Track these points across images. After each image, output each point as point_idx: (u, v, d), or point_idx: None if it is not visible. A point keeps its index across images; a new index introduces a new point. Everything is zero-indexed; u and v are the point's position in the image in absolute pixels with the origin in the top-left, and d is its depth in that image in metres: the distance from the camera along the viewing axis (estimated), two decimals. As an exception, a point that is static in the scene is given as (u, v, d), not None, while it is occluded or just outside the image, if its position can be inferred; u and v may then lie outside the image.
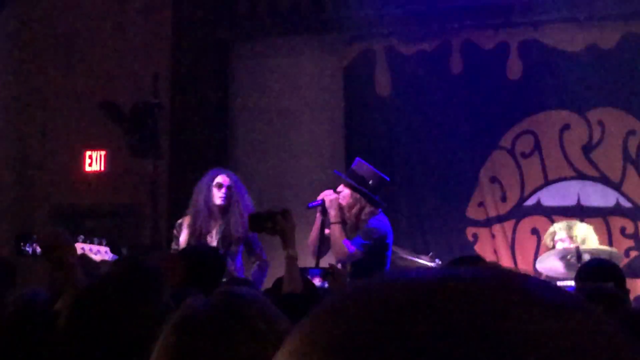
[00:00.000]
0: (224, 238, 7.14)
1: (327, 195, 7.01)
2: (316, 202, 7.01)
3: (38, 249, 4.48)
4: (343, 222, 6.98)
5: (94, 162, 10.46)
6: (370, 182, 6.99)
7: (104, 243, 6.93)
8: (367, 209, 6.99)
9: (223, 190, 7.20)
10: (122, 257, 6.24)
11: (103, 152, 10.45)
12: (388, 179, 7.20)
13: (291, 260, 4.90)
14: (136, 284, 2.52)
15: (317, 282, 5.45)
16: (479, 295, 0.69)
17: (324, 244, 6.98)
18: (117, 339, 2.41)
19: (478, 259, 4.50)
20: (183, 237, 7.22)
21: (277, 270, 6.34)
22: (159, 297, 2.50)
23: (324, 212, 6.95)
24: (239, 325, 1.88)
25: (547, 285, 0.73)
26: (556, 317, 0.68)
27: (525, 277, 0.73)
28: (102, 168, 10.46)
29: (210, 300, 1.96)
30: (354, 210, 6.99)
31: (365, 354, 0.67)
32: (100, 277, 2.70)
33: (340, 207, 6.99)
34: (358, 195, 6.98)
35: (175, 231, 7.34)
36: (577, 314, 0.70)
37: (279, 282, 5.05)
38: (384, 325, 0.68)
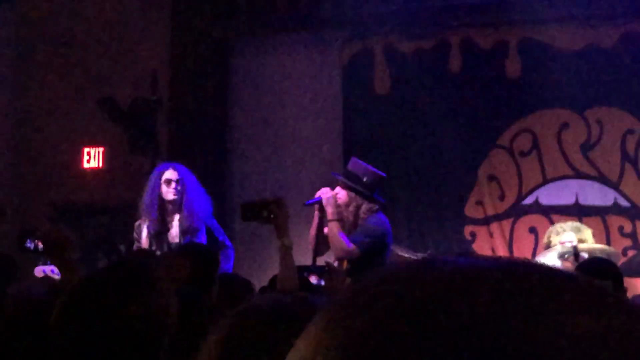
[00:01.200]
0: (184, 232, 7.08)
1: (324, 193, 7.00)
2: (313, 200, 7.00)
3: (40, 246, 4.48)
4: (341, 220, 6.97)
5: (92, 158, 10.46)
6: (365, 179, 6.98)
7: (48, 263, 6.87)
8: (365, 207, 6.98)
9: (172, 185, 7.12)
10: (122, 253, 6.25)
11: (101, 149, 10.45)
12: (384, 175, 7.17)
13: (286, 249, 4.88)
14: (125, 282, 2.51)
15: (313, 280, 5.44)
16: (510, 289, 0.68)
17: (322, 242, 6.97)
18: (107, 335, 2.41)
19: (473, 254, 4.49)
20: (143, 238, 7.15)
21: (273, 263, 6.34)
22: (149, 294, 2.49)
23: (322, 209, 6.94)
24: (297, 327, 1.85)
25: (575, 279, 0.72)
26: (591, 315, 0.68)
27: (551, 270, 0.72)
28: (100, 164, 10.46)
29: (276, 300, 1.93)
30: (351, 209, 6.97)
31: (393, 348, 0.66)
32: (91, 275, 2.69)
33: (338, 205, 6.99)
34: (353, 194, 6.97)
35: (135, 234, 7.25)
36: (615, 313, 0.69)
37: (275, 279, 5.04)
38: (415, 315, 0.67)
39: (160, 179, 7.16)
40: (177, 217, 7.14)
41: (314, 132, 10.15)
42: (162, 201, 7.12)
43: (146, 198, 7.18)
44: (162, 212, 7.13)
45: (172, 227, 7.15)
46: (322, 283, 5.57)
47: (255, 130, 10.22)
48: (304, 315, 1.88)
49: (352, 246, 6.80)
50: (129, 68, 10.17)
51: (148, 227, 7.12)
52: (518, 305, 0.66)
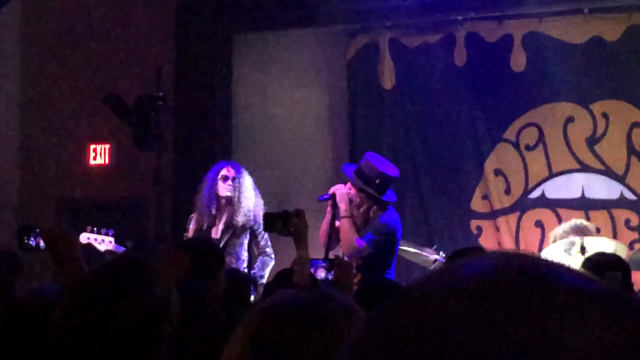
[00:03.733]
0: (226, 229, 7.19)
1: (338, 189, 7.00)
2: (326, 195, 7.00)
3: (41, 243, 4.49)
4: (352, 216, 6.98)
5: (99, 155, 10.48)
6: (377, 181, 6.97)
7: (110, 234, 7.01)
8: (376, 207, 6.99)
9: (229, 182, 7.27)
10: (130, 249, 6.29)
11: (107, 146, 10.46)
12: (397, 174, 7.16)
13: (301, 262, 4.91)
14: (127, 277, 2.52)
15: (321, 273, 5.44)
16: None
17: (333, 237, 6.97)
18: (111, 328, 2.42)
19: (480, 250, 4.50)
20: (190, 231, 7.32)
21: (282, 264, 6.36)
22: (151, 289, 2.50)
23: (334, 205, 6.94)
24: (325, 327, 1.86)
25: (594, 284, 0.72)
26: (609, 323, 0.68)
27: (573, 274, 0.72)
28: (107, 161, 10.47)
29: (309, 298, 1.93)
30: (362, 209, 6.98)
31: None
32: (93, 271, 2.71)
33: (351, 202, 6.99)
34: (365, 195, 6.97)
35: (188, 225, 7.44)
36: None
37: (280, 274, 5.05)
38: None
39: (217, 176, 7.34)
40: (225, 213, 7.27)
41: (320, 127, 10.15)
42: (217, 197, 7.30)
43: (204, 193, 7.34)
44: (215, 208, 7.30)
45: (218, 223, 7.28)
46: (330, 277, 5.58)
47: (260, 126, 10.22)
48: (329, 311, 1.89)
49: (362, 244, 6.81)
50: (135, 65, 10.19)
51: (198, 222, 7.29)
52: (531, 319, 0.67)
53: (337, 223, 7.01)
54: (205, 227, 7.30)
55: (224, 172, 7.36)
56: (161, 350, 2.44)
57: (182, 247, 5.00)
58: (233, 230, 7.20)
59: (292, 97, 10.16)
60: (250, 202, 7.28)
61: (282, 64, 10.16)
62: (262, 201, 7.46)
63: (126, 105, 9.84)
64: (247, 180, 7.38)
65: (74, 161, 10.48)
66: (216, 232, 7.24)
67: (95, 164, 10.49)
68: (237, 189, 7.29)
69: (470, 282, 0.71)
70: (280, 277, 4.99)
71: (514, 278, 0.70)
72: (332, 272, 5.44)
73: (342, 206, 6.88)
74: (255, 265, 7.27)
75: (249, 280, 5.34)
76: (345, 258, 6.50)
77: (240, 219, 7.20)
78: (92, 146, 10.48)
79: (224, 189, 7.30)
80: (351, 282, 5.22)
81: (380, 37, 9.87)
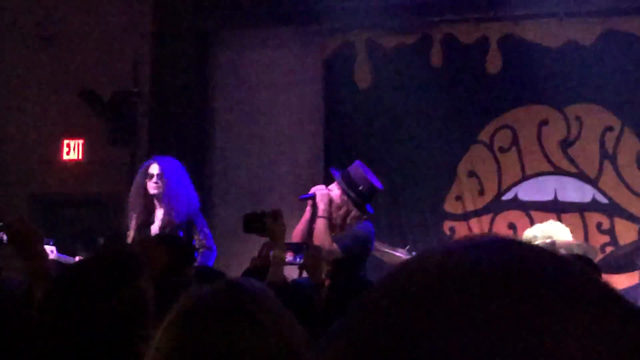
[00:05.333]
0: (163, 227, 7.15)
1: (319, 189, 7.02)
2: (307, 195, 7.01)
3: (4, 237, 4.44)
4: (330, 218, 6.99)
5: (72, 150, 10.43)
6: (361, 187, 6.99)
7: (51, 243, 6.93)
8: (354, 213, 7.00)
9: (154, 179, 7.21)
10: (100, 246, 6.27)
11: (81, 141, 10.41)
12: (381, 187, 7.21)
13: (275, 261, 4.92)
14: (111, 271, 2.53)
15: (289, 257, 5.46)
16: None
17: (310, 237, 6.97)
18: (93, 326, 2.42)
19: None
20: (132, 230, 7.28)
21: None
22: (135, 283, 2.51)
23: (314, 205, 6.95)
24: (244, 318, 1.88)
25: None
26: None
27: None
28: (80, 156, 10.43)
29: (216, 291, 1.95)
30: (342, 212, 6.99)
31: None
32: (75, 265, 2.70)
33: (330, 204, 7.00)
34: (347, 198, 6.98)
35: (129, 223, 7.38)
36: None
37: (247, 273, 5.06)
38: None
39: (145, 173, 7.26)
40: (160, 211, 7.21)
41: (296, 126, 10.15)
42: (147, 195, 7.23)
43: (132, 191, 7.31)
44: (148, 206, 7.24)
45: (155, 220, 7.23)
46: (298, 260, 5.59)
47: (236, 123, 10.21)
48: (240, 301, 1.90)
49: (335, 246, 6.82)
50: (111, 60, 10.14)
51: (136, 220, 7.24)
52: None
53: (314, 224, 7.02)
54: (142, 225, 7.25)
55: (150, 169, 7.29)
56: (143, 345, 2.45)
57: (158, 242, 5.00)
58: (170, 228, 7.15)
59: (268, 96, 10.15)
60: (178, 198, 7.20)
61: (258, 62, 10.16)
62: (194, 193, 7.38)
63: (101, 100, 9.83)
64: (174, 176, 7.28)
65: (47, 156, 10.43)
66: (154, 231, 7.21)
67: (69, 159, 10.44)
68: (163, 186, 7.22)
69: (458, 271, 0.71)
70: (250, 274, 4.99)
71: (503, 269, 0.71)
72: (300, 255, 5.46)
73: (321, 206, 6.90)
74: (198, 260, 7.25)
75: (218, 277, 5.33)
76: None
77: (171, 217, 7.16)
78: (66, 141, 10.43)
79: (151, 187, 7.24)
80: (320, 266, 5.25)
81: (356, 36, 9.88)
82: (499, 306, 0.66)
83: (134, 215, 7.30)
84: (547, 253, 0.72)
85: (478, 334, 0.66)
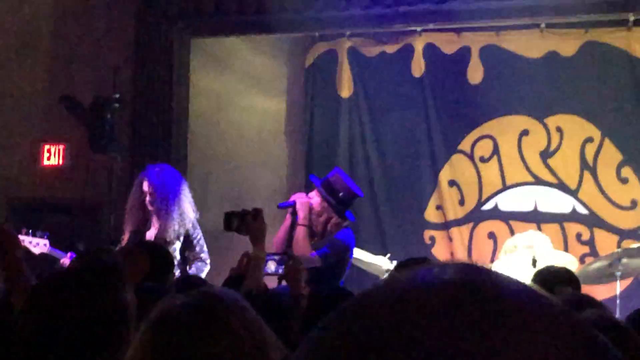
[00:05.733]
0: (157, 238, 7.13)
1: (299, 197, 7.02)
2: (287, 203, 7.01)
3: None
4: (310, 226, 6.99)
5: (52, 156, 10.38)
6: (341, 194, 7.01)
7: (45, 237, 6.93)
8: (334, 220, 7.01)
9: (147, 198, 7.20)
10: (81, 253, 6.24)
11: (62, 146, 10.36)
12: (361, 194, 7.23)
13: (255, 260, 4.91)
14: (93, 280, 2.52)
15: (272, 266, 5.46)
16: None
17: (290, 245, 6.97)
18: (74, 334, 2.41)
19: (426, 260, 4.53)
20: (126, 235, 7.27)
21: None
22: (117, 292, 2.50)
23: (294, 213, 6.95)
24: (217, 327, 1.89)
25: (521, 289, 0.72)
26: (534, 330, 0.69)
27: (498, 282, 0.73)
28: (61, 162, 10.38)
29: (189, 300, 1.95)
30: (322, 219, 7.00)
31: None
32: (57, 273, 2.70)
33: (310, 212, 7.01)
34: (327, 205, 6.99)
35: (124, 228, 7.38)
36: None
37: (227, 282, 5.05)
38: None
39: (140, 186, 7.26)
40: (156, 219, 7.19)
41: (277, 134, 10.16)
42: (144, 206, 7.21)
43: (129, 201, 7.31)
44: (144, 215, 7.22)
45: (151, 227, 7.21)
46: (280, 271, 5.60)
47: (217, 130, 10.20)
48: (214, 310, 1.91)
49: (314, 254, 6.83)
50: (92, 66, 10.11)
51: (130, 226, 7.23)
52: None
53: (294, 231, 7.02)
54: (136, 231, 7.24)
55: (143, 185, 7.27)
56: (121, 352, 2.44)
57: (145, 247, 4.99)
58: (162, 240, 7.14)
59: (249, 103, 10.15)
60: (170, 215, 7.18)
61: (240, 69, 10.15)
62: (191, 206, 7.35)
63: (82, 105, 9.79)
64: (166, 192, 7.24)
65: (28, 161, 10.38)
66: (149, 237, 7.19)
67: (49, 165, 10.39)
68: (155, 202, 7.20)
69: (417, 294, 0.72)
70: (229, 284, 4.98)
71: (461, 291, 0.71)
72: (281, 265, 5.47)
73: (301, 214, 6.91)
74: (189, 271, 7.24)
75: (200, 286, 5.32)
76: None
77: (165, 234, 7.14)
78: (46, 146, 10.37)
79: (147, 203, 7.24)
80: (300, 277, 5.25)
81: (338, 45, 9.90)
82: (441, 342, 0.67)
83: (130, 223, 7.29)
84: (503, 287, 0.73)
85: None
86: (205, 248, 7.36)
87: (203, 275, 7.22)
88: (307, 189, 7.19)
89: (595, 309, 3.32)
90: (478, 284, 0.72)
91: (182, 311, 1.90)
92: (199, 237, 7.32)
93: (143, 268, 4.39)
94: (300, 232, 6.90)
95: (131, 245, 5.58)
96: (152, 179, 7.24)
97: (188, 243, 7.25)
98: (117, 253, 4.77)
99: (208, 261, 7.35)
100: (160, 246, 6.03)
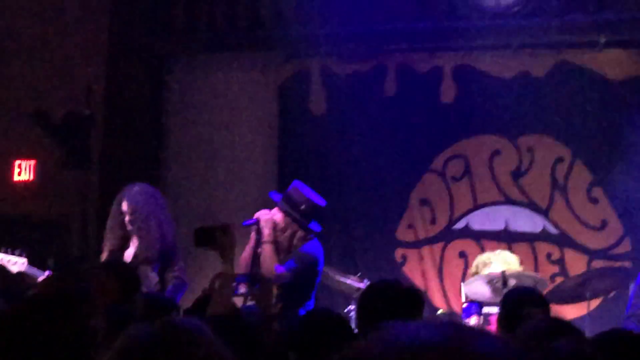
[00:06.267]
0: (135, 258, 7.10)
1: (263, 215, 7.00)
2: (251, 221, 6.99)
3: None
4: (275, 242, 6.97)
5: (23, 171, 10.33)
6: (303, 207, 6.99)
7: (23, 255, 6.88)
8: (300, 234, 7.00)
9: (127, 218, 7.16)
10: (50, 276, 6.20)
11: (33, 162, 10.32)
12: (323, 203, 7.20)
13: (224, 276, 4.88)
14: (62, 307, 2.51)
15: (242, 288, 5.44)
16: None
17: (256, 264, 6.95)
18: (43, 350, 2.40)
19: (397, 282, 4.53)
20: (105, 252, 7.23)
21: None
22: (85, 319, 2.49)
23: (259, 231, 6.93)
24: (170, 352, 1.88)
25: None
26: None
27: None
28: (31, 178, 10.33)
29: (153, 331, 1.95)
30: (287, 234, 6.98)
31: None
32: (26, 299, 2.68)
33: (274, 228, 6.99)
34: (290, 220, 6.98)
35: (103, 245, 7.34)
36: None
37: (199, 301, 5.03)
38: None
39: (119, 205, 7.21)
40: (135, 240, 7.15)
41: (250, 151, 10.14)
42: (124, 225, 7.17)
43: (109, 219, 7.26)
44: (124, 233, 7.17)
45: (129, 247, 7.17)
46: (246, 291, 5.58)
47: (190, 147, 10.18)
48: (175, 340, 1.91)
49: (282, 270, 6.81)
50: (64, 82, 10.08)
51: (110, 244, 7.20)
52: None
53: (259, 250, 6.99)
54: (116, 250, 7.21)
55: (122, 205, 7.24)
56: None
57: (108, 271, 4.96)
58: (141, 261, 7.11)
59: (222, 120, 10.13)
60: (150, 236, 7.14)
61: (213, 87, 10.14)
62: (170, 228, 7.31)
63: (54, 122, 9.76)
64: (145, 213, 7.20)
65: (-1, 176, 10.33)
66: (127, 256, 7.17)
67: (20, 180, 10.34)
68: (135, 222, 7.16)
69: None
70: (198, 305, 4.96)
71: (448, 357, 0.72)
72: (252, 286, 5.45)
73: (265, 231, 6.88)
74: (167, 290, 7.20)
75: (172, 306, 5.31)
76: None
77: (144, 255, 7.11)
78: (17, 162, 10.33)
79: (126, 222, 7.20)
80: (270, 299, 5.23)
81: (312, 63, 9.90)
82: None
83: (109, 242, 7.24)
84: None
85: None
86: (184, 269, 7.33)
87: (181, 294, 7.19)
88: (273, 206, 7.16)
89: (569, 336, 3.33)
90: (464, 350, 0.72)
91: (146, 342, 1.90)
92: (178, 257, 7.28)
93: (111, 291, 4.37)
94: (267, 249, 6.88)
95: (99, 268, 5.54)
96: (131, 198, 7.18)
97: (167, 263, 7.21)
98: (85, 276, 4.75)
99: (187, 281, 7.32)
100: (127, 267, 6.00)
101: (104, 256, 7.26)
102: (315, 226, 7.10)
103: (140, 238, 7.11)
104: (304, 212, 6.98)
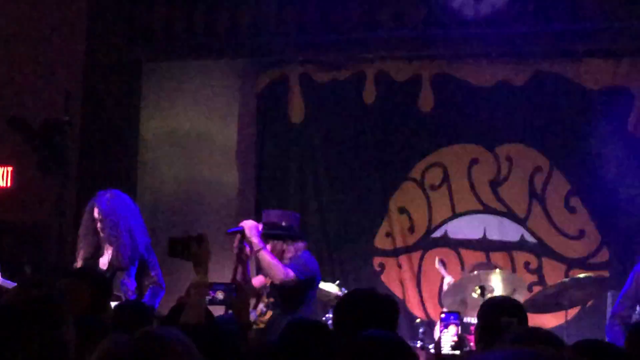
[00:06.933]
0: (111, 264, 7.09)
1: (247, 223, 6.96)
2: (236, 229, 6.95)
3: None
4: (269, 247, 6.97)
5: (1, 177, 10.28)
6: (283, 223, 7.01)
7: None
8: (291, 248, 6.99)
9: (98, 225, 7.16)
10: (22, 284, 6.15)
11: (10, 168, 10.27)
12: (298, 214, 7.26)
13: (198, 286, 4.85)
14: (33, 316, 2.48)
15: (220, 295, 5.42)
16: None
17: (242, 272, 6.90)
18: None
19: (372, 291, 4.53)
20: (79, 260, 7.22)
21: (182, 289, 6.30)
22: (57, 329, 2.47)
23: (242, 239, 6.88)
24: None
25: None
26: None
27: None
28: (8, 184, 10.29)
29: (130, 341, 1.92)
30: (276, 253, 6.96)
31: None
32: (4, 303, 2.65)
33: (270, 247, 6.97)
34: (276, 242, 6.97)
35: (77, 253, 7.33)
36: None
37: (174, 310, 5.01)
38: None
39: (91, 213, 7.21)
40: (108, 247, 7.14)
41: (227, 158, 10.12)
42: (96, 232, 7.17)
43: (81, 227, 7.26)
44: (97, 241, 7.16)
45: (103, 255, 7.16)
46: (228, 299, 5.56)
47: (167, 154, 10.15)
48: (159, 352, 1.89)
49: (290, 271, 6.77)
50: (42, 88, 10.03)
51: (83, 252, 7.18)
52: None
53: (245, 256, 6.96)
54: (89, 257, 7.20)
55: (93, 212, 7.24)
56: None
57: (80, 280, 4.92)
58: (115, 267, 7.10)
59: (200, 128, 10.11)
60: (121, 242, 7.13)
61: (192, 93, 10.12)
62: (142, 234, 7.30)
63: (31, 127, 9.70)
64: (116, 219, 7.19)
65: (-25, 183, 10.28)
66: (102, 264, 7.15)
67: (-4, 186, 10.29)
68: (105, 229, 7.16)
69: None
70: (174, 313, 4.94)
71: None
72: (229, 294, 5.43)
73: (254, 240, 6.83)
74: (145, 295, 7.18)
75: (151, 313, 5.28)
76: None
77: (118, 261, 7.10)
78: (-6, 168, 10.28)
79: (98, 229, 7.20)
80: (247, 307, 5.22)
81: (290, 71, 9.89)
82: None
83: (82, 250, 7.23)
84: None
85: None
86: (160, 274, 7.31)
87: (159, 299, 7.17)
88: (257, 213, 7.16)
89: (548, 346, 3.31)
90: None
91: (125, 353, 1.88)
92: (154, 262, 7.26)
93: (83, 299, 4.34)
94: (265, 255, 6.82)
95: (70, 277, 5.50)
96: (102, 205, 7.19)
97: (143, 268, 7.20)
98: (56, 285, 4.71)
99: (164, 286, 7.30)
100: (98, 272, 5.97)
101: (78, 264, 7.23)
102: (302, 235, 7.13)
103: (111, 244, 7.11)
104: (286, 227, 7.00)
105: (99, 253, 7.23)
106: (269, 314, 6.92)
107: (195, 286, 4.86)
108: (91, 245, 7.23)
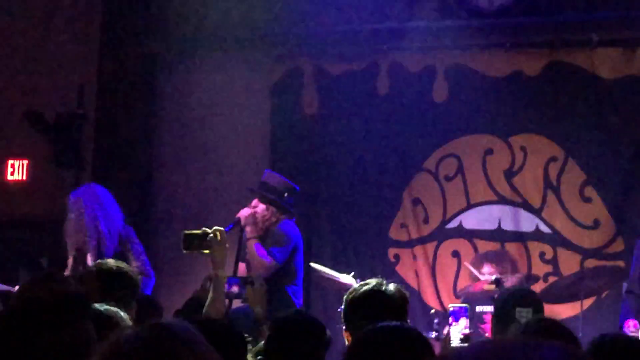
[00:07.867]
0: (96, 259, 7.11)
1: (243, 213, 7.01)
2: (232, 225, 6.97)
3: None
4: (259, 237, 7.01)
5: (16, 171, 10.32)
6: (286, 195, 7.07)
7: None
8: (273, 218, 7.07)
9: (79, 217, 7.20)
10: (44, 269, 6.19)
11: (25, 161, 10.31)
12: (297, 188, 7.31)
13: (217, 281, 4.88)
14: (57, 310, 2.50)
15: (235, 289, 5.44)
16: None
17: (241, 260, 6.95)
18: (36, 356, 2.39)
19: (380, 285, 4.49)
20: (70, 258, 7.26)
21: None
22: (82, 323, 2.48)
23: (241, 229, 6.92)
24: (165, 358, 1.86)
25: None
26: None
27: None
28: (24, 177, 10.32)
29: (139, 334, 1.93)
30: (268, 223, 7.02)
31: None
32: (21, 301, 2.67)
33: (255, 222, 7.02)
34: (274, 209, 7.02)
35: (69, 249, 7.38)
36: None
37: (189, 303, 5.04)
38: None
39: (70, 207, 7.29)
40: (90, 239, 7.17)
41: (242, 150, 10.12)
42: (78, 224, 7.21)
43: (65, 223, 7.31)
44: (80, 231, 7.20)
45: (89, 248, 7.18)
46: (243, 292, 5.59)
47: (182, 146, 10.16)
48: (169, 346, 1.90)
49: (270, 261, 6.84)
50: (57, 81, 10.06)
51: (71, 248, 7.22)
52: None
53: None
54: (77, 250, 7.23)
55: (72, 206, 7.31)
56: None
57: (92, 273, 4.95)
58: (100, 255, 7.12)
59: (215, 120, 10.11)
60: (98, 236, 7.15)
61: (206, 86, 10.12)
62: (117, 225, 7.31)
63: (46, 121, 9.74)
64: (90, 213, 7.23)
65: (-9, 176, 10.31)
66: (90, 258, 7.17)
67: (12, 180, 10.32)
68: (85, 221, 7.20)
69: None
70: (189, 306, 4.97)
71: None
72: (244, 288, 5.46)
73: (248, 228, 6.90)
74: None
75: (160, 307, 5.31)
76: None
77: (101, 246, 7.14)
78: (10, 161, 10.31)
79: (79, 222, 7.25)
80: (262, 300, 5.24)
81: (304, 63, 9.87)
82: None
83: (69, 243, 7.28)
84: None
85: None
86: (147, 262, 7.31)
87: (149, 290, 7.18)
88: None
89: (560, 341, 3.31)
90: None
91: (132, 346, 1.88)
92: (138, 251, 7.27)
93: (95, 293, 4.36)
94: (251, 246, 6.90)
95: (82, 271, 5.50)
96: (71, 202, 7.29)
97: (125, 258, 7.18)
98: (70, 279, 4.73)
99: (152, 274, 7.30)
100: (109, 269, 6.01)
101: (69, 258, 7.25)
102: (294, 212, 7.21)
103: (91, 239, 7.13)
104: (287, 199, 7.06)
105: (85, 247, 7.25)
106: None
107: (214, 281, 4.89)
108: (76, 239, 7.26)
